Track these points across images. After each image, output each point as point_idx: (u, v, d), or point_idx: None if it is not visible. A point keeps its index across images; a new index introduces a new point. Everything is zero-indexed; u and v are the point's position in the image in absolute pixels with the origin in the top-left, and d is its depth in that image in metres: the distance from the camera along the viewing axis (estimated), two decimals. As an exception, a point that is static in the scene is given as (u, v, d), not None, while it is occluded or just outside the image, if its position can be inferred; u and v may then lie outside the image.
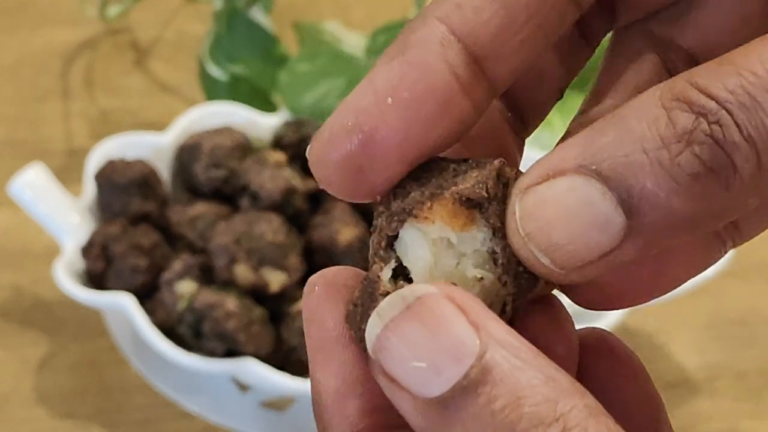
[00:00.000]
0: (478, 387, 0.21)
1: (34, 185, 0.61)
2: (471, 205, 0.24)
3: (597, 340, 0.27)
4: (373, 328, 0.22)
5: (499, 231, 0.24)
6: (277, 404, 0.61)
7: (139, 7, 0.83)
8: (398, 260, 0.25)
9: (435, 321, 0.22)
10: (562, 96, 0.29)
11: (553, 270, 0.23)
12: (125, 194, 0.60)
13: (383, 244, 0.25)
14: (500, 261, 0.24)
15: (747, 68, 0.22)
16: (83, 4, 0.80)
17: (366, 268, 0.26)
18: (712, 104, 0.21)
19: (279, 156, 0.62)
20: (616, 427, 0.22)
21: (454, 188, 0.24)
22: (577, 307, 0.27)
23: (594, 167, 0.22)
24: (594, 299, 0.27)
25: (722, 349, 0.64)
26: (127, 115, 0.78)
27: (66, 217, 0.60)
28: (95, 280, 0.59)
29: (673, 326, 0.65)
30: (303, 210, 0.61)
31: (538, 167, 0.23)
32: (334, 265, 0.64)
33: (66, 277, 0.57)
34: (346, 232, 0.59)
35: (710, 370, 0.62)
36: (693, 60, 0.27)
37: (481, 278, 0.24)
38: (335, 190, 0.25)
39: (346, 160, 0.24)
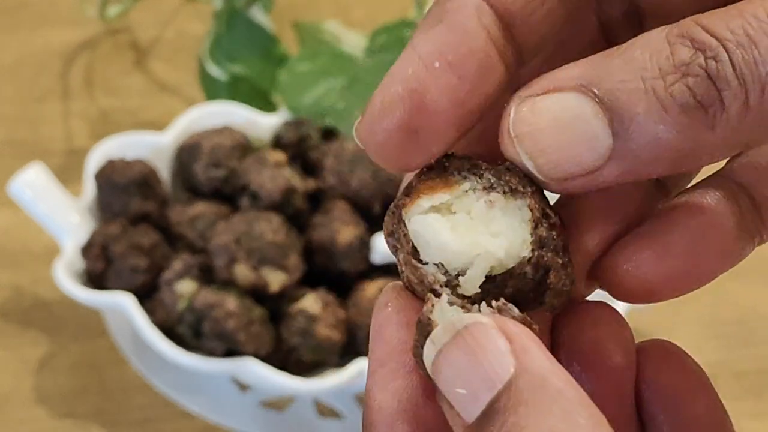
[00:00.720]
0: (495, 415, 0.22)
1: (34, 185, 0.61)
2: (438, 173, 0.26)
3: (663, 352, 0.28)
4: (428, 353, 0.24)
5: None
6: (277, 404, 0.61)
7: (138, 7, 0.83)
8: (449, 283, 0.25)
9: (477, 349, 0.23)
10: None
11: (536, 176, 0.24)
12: (125, 194, 0.60)
13: (404, 253, 0.26)
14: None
15: (750, 12, 0.22)
16: (83, 4, 0.80)
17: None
18: (713, 41, 0.22)
19: (279, 156, 0.62)
20: None
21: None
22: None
23: (592, 88, 0.23)
24: (632, 293, 0.27)
25: (722, 348, 0.64)
26: (127, 114, 0.78)
27: (66, 217, 0.60)
28: (95, 280, 0.59)
29: (672, 325, 0.65)
30: (303, 210, 0.61)
31: (540, 80, 0.24)
32: (334, 265, 0.64)
33: (66, 277, 0.57)
34: (346, 231, 0.59)
35: (710, 370, 0.62)
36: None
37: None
38: (387, 161, 0.25)
39: (400, 127, 0.25)
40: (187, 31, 0.85)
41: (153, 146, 0.64)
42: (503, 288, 0.25)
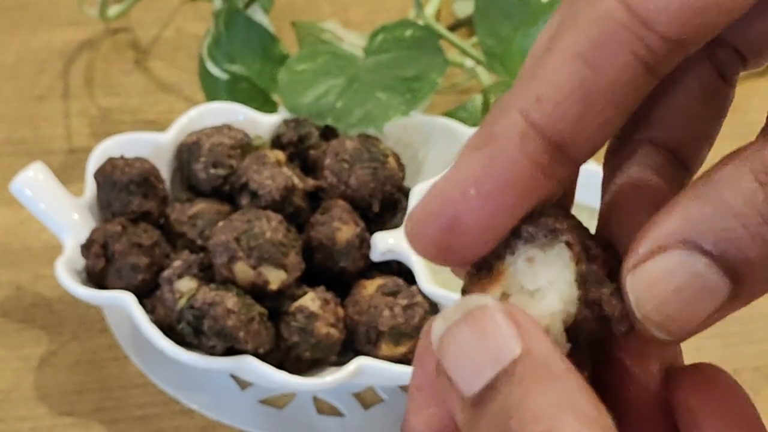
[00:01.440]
0: (501, 387, 0.23)
1: (35, 184, 0.61)
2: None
3: (707, 376, 0.28)
4: (437, 328, 0.25)
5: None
6: (276, 401, 0.62)
7: (138, 6, 0.83)
8: None
9: (487, 327, 0.24)
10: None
11: (666, 339, 0.25)
12: (126, 192, 0.60)
13: None
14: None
15: None
16: (83, 4, 0.80)
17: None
18: None
19: (278, 155, 0.62)
20: None
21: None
22: None
23: (697, 241, 0.24)
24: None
25: (719, 346, 0.65)
26: (127, 114, 0.79)
27: (66, 216, 0.60)
28: (95, 278, 0.59)
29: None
30: (302, 208, 0.61)
31: (642, 243, 0.25)
32: (333, 263, 0.64)
33: (67, 275, 0.57)
34: (345, 230, 0.60)
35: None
36: (740, 55, 0.29)
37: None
38: (431, 260, 0.27)
39: (435, 240, 0.26)
40: (187, 31, 0.85)
41: (153, 145, 0.64)
42: (579, 338, 0.26)
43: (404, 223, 0.27)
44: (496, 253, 0.27)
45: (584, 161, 0.27)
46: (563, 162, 0.26)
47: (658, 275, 0.24)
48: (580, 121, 0.25)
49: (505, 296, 0.26)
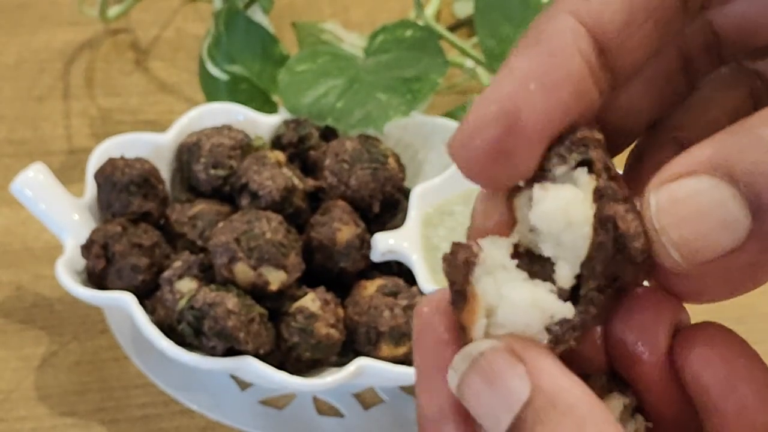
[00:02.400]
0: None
1: (35, 184, 0.61)
2: None
3: (707, 337, 0.28)
4: (451, 379, 0.25)
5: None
6: (276, 402, 0.62)
7: (139, 7, 0.83)
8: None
9: (493, 374, 0.24)
10: (646, 130, 0.30)
11: (678, 263, 0.25)
12: (126, 193, 0.60)
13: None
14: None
15: None
16: (83, 5, 0.80)
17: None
18: None
19: (279, 155, 0.62)
20: None
21: None
22: None
23: (726, 170, 0.24)
24: (691, 292, 0.28)
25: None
26: (128, 114, 0.79)
27: (67, 216, 0.60)
28: (96, 278, 0.59)
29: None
30: (302, 209, 0.61)
31: (673, 164, 0.25)
32: (333, 264, 0.64)
33: (67, 275, 0.57)
34: (345, 231, 0.60)
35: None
36: None
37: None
38: (477, 177, 0.26)
39: (492, 145, 0.26)
40: (188, 31, 0.85)
41: (153, 146, 0.64)
42: (594, 270, 0.26)
43: (449, 143, 0.27)
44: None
45: (622, 81, 0.27)
46: (606, 72, 0.26)
47: (684, 194, 0.24)
48: (624, 29, 0.26)
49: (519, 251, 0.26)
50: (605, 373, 0.27)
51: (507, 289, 0.26)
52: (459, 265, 0.26)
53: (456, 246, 0.26)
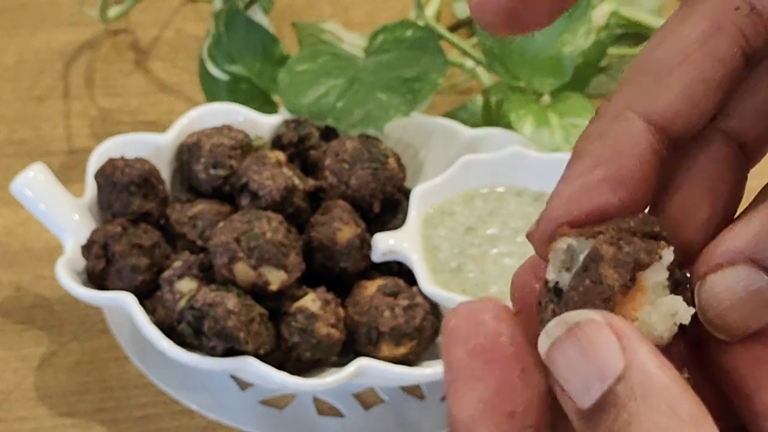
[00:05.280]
0: (609, 408, 0.24)
1: (35, 185, 0.61)
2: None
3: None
4: (542, 343, 0.26)
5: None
6: (277, 402, 0.62)
7: (139, 7, 0.83)
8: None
9: (588, 344, 0.25)
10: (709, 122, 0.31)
11: (726, 339, 0.28)
12: (126, 193, 0.60)
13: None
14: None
15: None
16: (83, 6, 0.80)
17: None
18: None
19: (279, 155, 0.62)
20: None
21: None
22: None
23: (761, 260, 0.27)
24: None
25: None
26: (128, 115, 0.79)
27: (67, 216, 0.61)
28: (96, 278, 0.59)
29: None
30: (303, 209, 0.61)
31: (713, 254, 0.27)
32: (333, 264, 0.64)
33: (67, 275, 0.57)
34: (345, 230, 0.60)
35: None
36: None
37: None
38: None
39: None
40: (188, 32, 0.85)
41: (153, 146, 0.64)
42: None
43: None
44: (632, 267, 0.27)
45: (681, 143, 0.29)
46: (670, 145, 0.28)
47: (723, 287, 0.27)
48: (693, 114, 0.28)
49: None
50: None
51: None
52: (639, 253, 0.27)
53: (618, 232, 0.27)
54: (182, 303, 0.56)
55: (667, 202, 0.29)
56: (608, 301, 0.26)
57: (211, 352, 0.55)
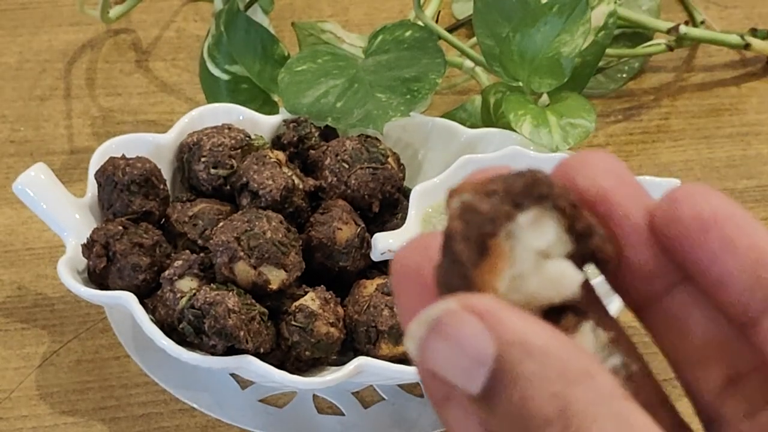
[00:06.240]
0: (499, 389, 0.23)
1: (37, 184, 0.61)
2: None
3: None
4: (411, 348, 0.24)
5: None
6: (277, 400, 0.62)
7: (140, 7, 0.83)
8: None
9: (454, 335, 0.24)
10: None
11: None
12: (127, 192, 0.61)
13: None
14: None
15: None
16: (84, 6, 0.80)
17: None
18: None
19: (279, 155, 0.63)
20: (633, 413, 0.23)
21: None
22: None
23: None
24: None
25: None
26: (129, 114, 0.79)
27: (68, 216, 0.61)
28: (97, 277, 0.59)
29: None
30: (302, 208, 0.61)
31: None
32: (333, 263, 0.64)
33: (68, 274, 0.57)
34: (345, 230, 0.60)
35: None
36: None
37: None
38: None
39: None
40: (188, 32, 0.85)
41: (154, 146, 0.64)
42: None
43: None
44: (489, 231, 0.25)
45: None
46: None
47: None
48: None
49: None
50: (570, 308, 0.26)
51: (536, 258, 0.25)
52: (487, 213, 0.25)
53: (480, 195, 0.25)
54: (183, 302, 0.56)
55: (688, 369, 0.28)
56: (466, 278, 0.25)
57: (212, 351, 0.55)
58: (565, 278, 0.26)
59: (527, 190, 0.26)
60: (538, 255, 0.26)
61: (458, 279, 0.25)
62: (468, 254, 0.25)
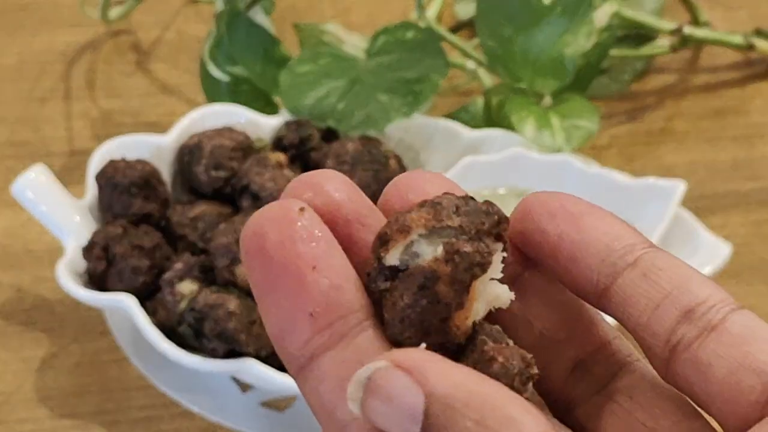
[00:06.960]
0: None
1: (36, 186, 0.61)
2: None
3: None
4: (354, 408, 0.25)
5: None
6: (277, 404, 0.62)
7: (140, 8, 0.83)
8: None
9: (387, 393, 0.24)
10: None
11: None
12: (127, 194, 0.60)
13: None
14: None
15: None
16: (85, 6, 0.80)
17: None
18: None
19: (280, 156, 0.62)
20: None
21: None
22: None
23: None
24: None
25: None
26: (129, 116, 0.79)
27: (68, 218, 0.60)
28: (96, 280, 0.59)
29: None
30: (303, 210, 0.61)
31: None
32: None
33: (68, 277, 0.57)
34: (346, 232, 0.60)
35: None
36: None
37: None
38: None
39: None
40: (189, 33, 0.85)
41: (154, 147, 0.64)
42: None
43: None
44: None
45: None
46: None
47: None
48: None
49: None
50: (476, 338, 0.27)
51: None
52: (473, 256, 0.26)
53: (465, 242, 0.26)
54: (183, 305, 0.56)
55: None
56: (445, 321, 0.26)
57: (212, 354, 0.55)
58: (501, 297, 0.27)
59: (493, 226, 0.26)
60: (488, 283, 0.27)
61: (437, 321, 0.26)
62: (453, 296, 0.26)
